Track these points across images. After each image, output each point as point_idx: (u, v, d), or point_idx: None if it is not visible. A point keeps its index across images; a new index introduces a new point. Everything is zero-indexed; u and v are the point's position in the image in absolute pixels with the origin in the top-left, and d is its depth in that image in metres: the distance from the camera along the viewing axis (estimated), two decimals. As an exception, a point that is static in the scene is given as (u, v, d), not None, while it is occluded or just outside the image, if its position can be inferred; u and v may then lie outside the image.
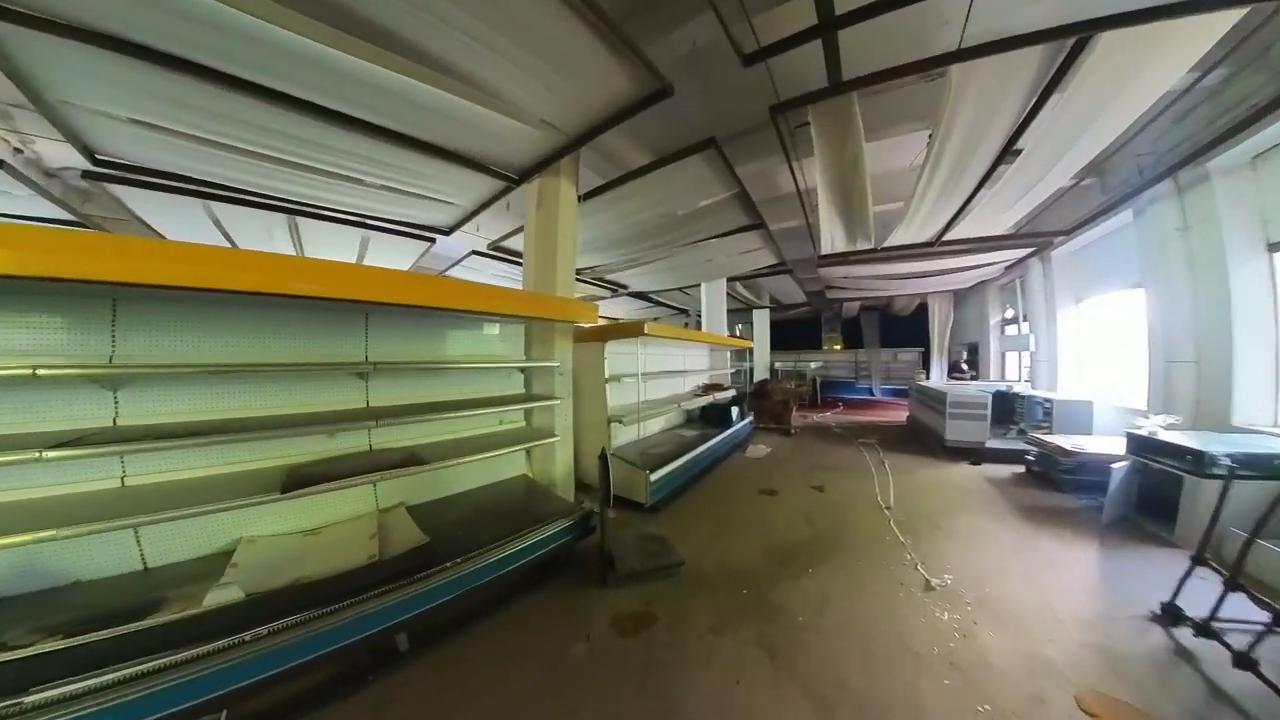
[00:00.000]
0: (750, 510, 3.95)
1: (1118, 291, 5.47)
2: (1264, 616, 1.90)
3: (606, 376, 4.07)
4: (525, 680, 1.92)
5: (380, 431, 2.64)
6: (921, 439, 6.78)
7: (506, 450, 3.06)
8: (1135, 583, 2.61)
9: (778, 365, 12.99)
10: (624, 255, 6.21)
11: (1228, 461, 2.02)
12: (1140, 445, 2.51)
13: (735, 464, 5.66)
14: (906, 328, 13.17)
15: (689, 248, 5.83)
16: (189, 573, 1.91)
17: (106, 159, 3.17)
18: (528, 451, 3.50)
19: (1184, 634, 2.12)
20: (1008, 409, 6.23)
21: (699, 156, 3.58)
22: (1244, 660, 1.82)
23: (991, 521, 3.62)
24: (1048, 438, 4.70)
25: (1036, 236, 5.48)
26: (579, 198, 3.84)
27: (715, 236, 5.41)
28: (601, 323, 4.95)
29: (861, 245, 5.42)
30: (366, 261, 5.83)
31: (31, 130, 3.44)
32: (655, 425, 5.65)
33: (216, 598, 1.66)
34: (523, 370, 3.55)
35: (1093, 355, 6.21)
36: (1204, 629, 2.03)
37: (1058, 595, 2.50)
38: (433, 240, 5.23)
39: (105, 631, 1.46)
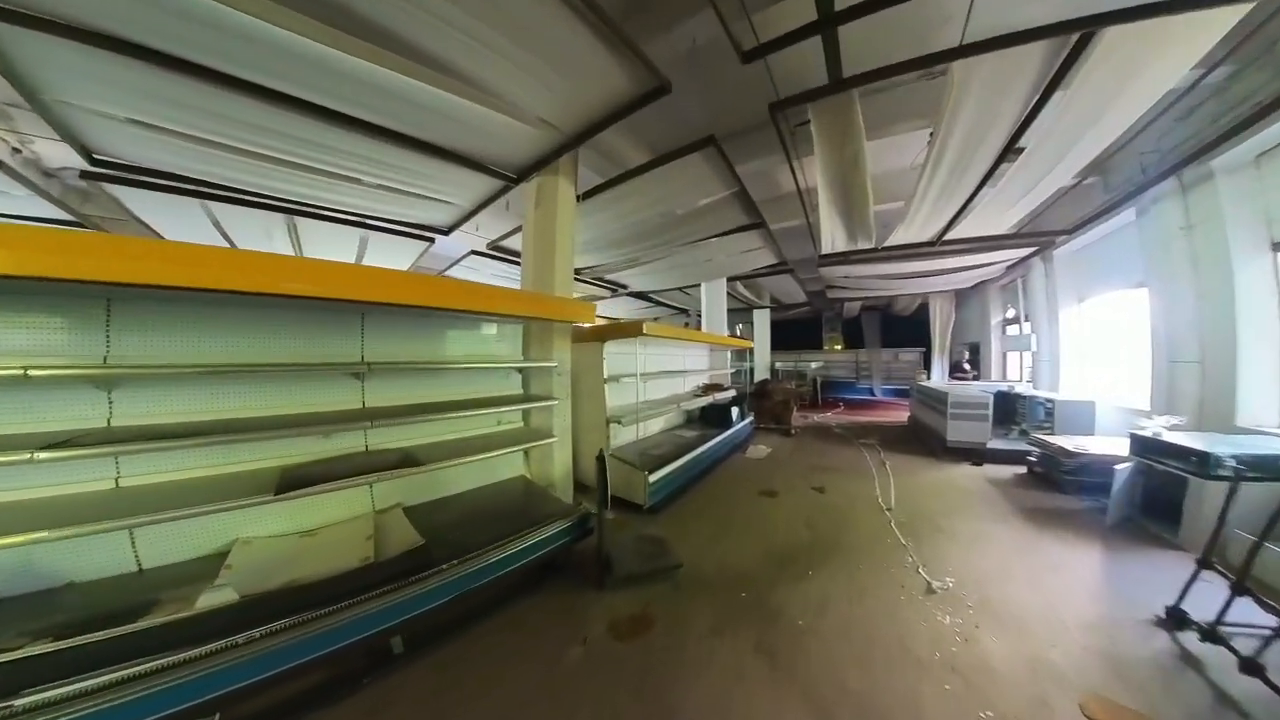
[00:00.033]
0: (750, 511, 3.93)
1: (1120, 291, 5.43)
2: (1272, 621, 1.86)
3: (605, 377, 4.06)
4: (522, 682, 1.90)
5: (377, 432, 2.62)
6: (923, 439, 6.75)
7: (504, 451, 3.05)
8: (1140, 586, 2.59)
9: (778, 365, 12.95)
10: (623, 255, 6.20)
11: (1233, 463, 1.99)
12: (1144, 446, 2.47)
13: (735, 465, 5.64)
14: (907, 328, 13.13)
15: (689, 247, 5.81)
16: (184, 574, 1.90)
17: (104, 159, 3.16)
18: (525, 452, 3.48)
19: (1190, 638, 2.10)
20: (1009, 409, 6.19)
21: (698, 155, 3.56)
22: (1251, 666, 1.79)
23: (993, 523, 3.59)
24: (1050, 438, 4.67)
25: (1038, 236, 5.45)
26: (578, 197, 3.82)
27: (715, 236, 5.39)
28: (600, 322, 4.93)
29: (862, 245, 5.40)
30: (366, 261, 5.82)
31: (30, 130, 3.44)
32: (655, 426, 5.64)
33: (210, 599, 1.65)
34: (520, 370, 3.53)
35: (1095, 355, 6.17)
36: (1210, 633, 2.00)
37: (1061, 598, 2.48)
38: (432, 240, 5.22)
39: (97, 634, 1.45)
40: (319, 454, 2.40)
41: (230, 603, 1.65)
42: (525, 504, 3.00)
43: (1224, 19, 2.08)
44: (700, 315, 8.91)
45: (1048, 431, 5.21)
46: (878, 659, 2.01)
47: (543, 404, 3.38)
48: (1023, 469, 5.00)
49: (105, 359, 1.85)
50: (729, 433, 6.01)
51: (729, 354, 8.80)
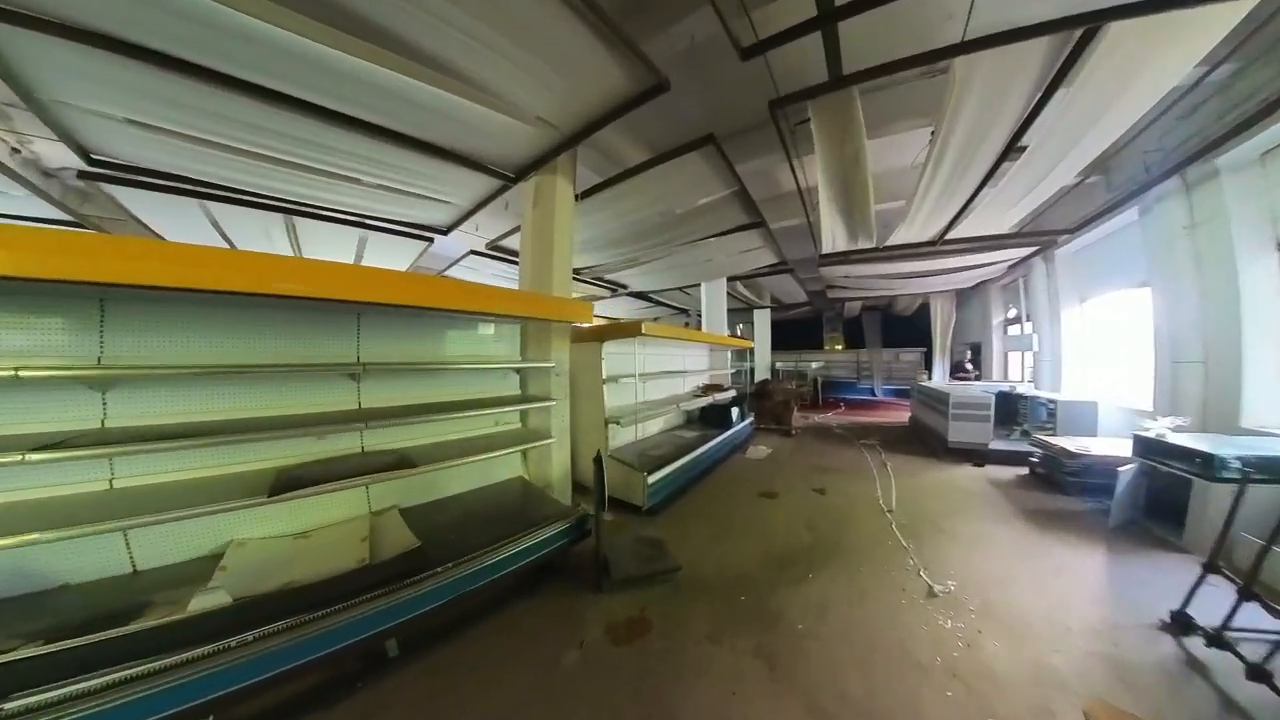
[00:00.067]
0: (750, 513, 3.91)
1: (1123, 291, 5.39)
2: None
3: (604, 377, 4.04)
4: (518, 686, 1.88)
5: (373, 433, 2.61)
6: (924, 440, 6.71)
7: (501, 452, 3.02)
8: (1144, 589, 2.56)
9: (779, 365, 12.92)
10: (623, 254, 6.18)
11: (1239, 465, 1.96)
12: (1148, 447, 2.44)
13: (735, 465, 5.61)
14: (908, 328, 13.08)
15: (688, 247, 5.79)
16: (178, 576, 1.89)
17: (102, 159, 3.15)
18: (523, 453, 3.47)
19: (1195, 644, 2.07)
20: (1011, 410, 6.16)
21: (698, 154, 3.54)
22: (1258, 672, 1.76)
23: (995, 525, 3.56)
24: (1052, 439, 4.63)
25: (1040, 235, 5.41)
26: (576, 196, 3.81)
27: (715, 235, 5.37)
28: (599, 322, 4.92)
29: (863, 244, 5.37)
30: (365, 262, 5.81)
31: (29, 130, 3.43)
32: (654, 426, 5.61)
33: (203, 602, 1.64)
34: (518, 371, 3.52)
35: (1097, 355, 6.13)
36: (1216, 639, 1.97)
37: (1064, 602, 2.45)
38: (431, 240, 5.21)
39: (89, 636, 1.43)
40: (314, 455, 2.38)
41: (223, 605, 1.64)
42: (522, 505, 2.99)
43: (1228, 15, 2.05)
44: (700, 315, 8.89)
45: (1050, 432, 5.18)
46: (878, 664, 1.99)
47: (541, 405, 3.36)
48: (1025, 470, 4.96)
49: (99, 360, 1.83)
50: (729, 433, 5.99)
51: (729, 354, 8.78)
